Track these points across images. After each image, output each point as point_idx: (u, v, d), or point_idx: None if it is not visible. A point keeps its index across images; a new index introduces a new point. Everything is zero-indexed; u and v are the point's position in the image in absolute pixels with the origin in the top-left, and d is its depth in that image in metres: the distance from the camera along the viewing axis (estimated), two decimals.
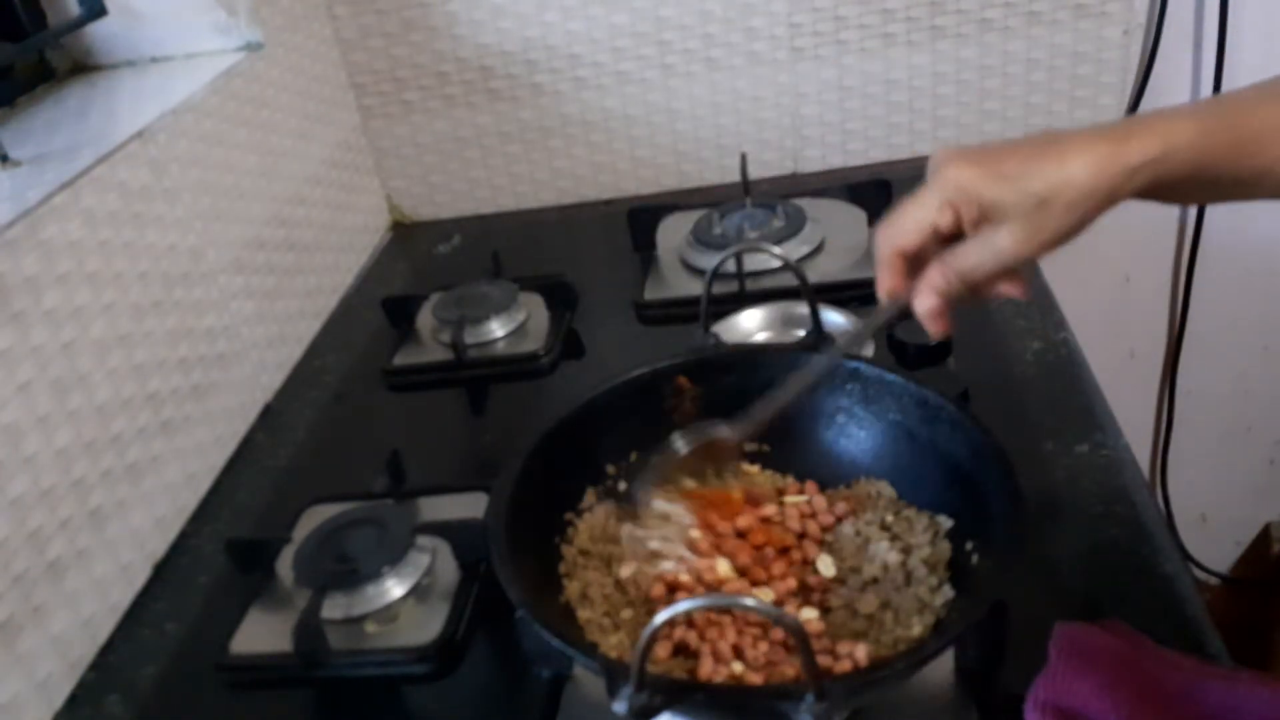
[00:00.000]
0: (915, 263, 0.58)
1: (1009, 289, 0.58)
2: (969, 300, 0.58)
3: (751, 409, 0.64)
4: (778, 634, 0.59)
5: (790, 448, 0.71)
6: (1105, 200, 0.54)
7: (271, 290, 1.01)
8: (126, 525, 0.78)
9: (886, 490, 0.68)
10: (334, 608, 0.70)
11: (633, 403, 0.71)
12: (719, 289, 0.81)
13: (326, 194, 1.16)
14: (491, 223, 1.30)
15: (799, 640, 0.46)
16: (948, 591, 0.61)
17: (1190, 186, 0.56)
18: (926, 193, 0.57)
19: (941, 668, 0.59)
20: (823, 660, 0.57)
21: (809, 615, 0.61)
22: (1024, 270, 0.58)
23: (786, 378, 0.64)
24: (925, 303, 0.58)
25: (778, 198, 1.11)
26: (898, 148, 1.24)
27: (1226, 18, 1.17)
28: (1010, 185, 0.54)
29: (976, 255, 0.56)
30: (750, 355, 0.78)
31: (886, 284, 0.59)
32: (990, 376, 0.84)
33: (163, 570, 0.81)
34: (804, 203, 1.10)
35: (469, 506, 0.77)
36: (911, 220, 0.57)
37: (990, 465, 0.59)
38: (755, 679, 0.57)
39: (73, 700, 0.71)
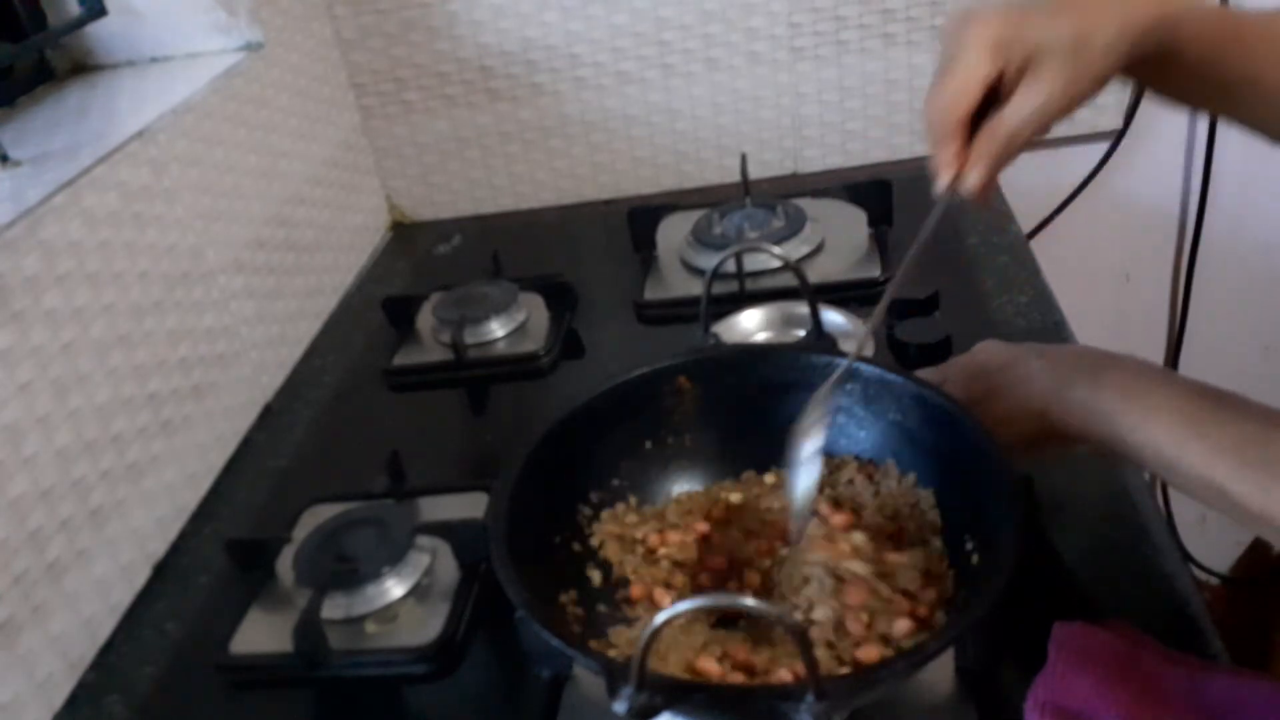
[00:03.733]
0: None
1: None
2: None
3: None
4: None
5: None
6: (1131, 46, 0.55)
7: (271, 290, 1.01)
8: (126, 525, 0.78)
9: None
10: (334, 608, 0.70)
11: (633, 403, 0.70)
12: (719, 289, 0.81)
13: (326, 194, 1.16)
14: (491, 223, 1.30)
15: (799, 640, 0.46)
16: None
17: (1192, 76, 0.58)
18: (964, 51, 0.56)
19: (941, 668, 0.59)
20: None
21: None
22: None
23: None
24: (978, 177, 0.57)
25: (778, 198, 1.11)
26: (898, 148, 1.24)
27: None
28: (1047, 26, 0.54)
29: (1026, 109, 0.55)
30: (750, 355, 0.78)
31: (950, 158, 0.57)
32: None
33: (163, 570, 0.81)
34: (804, 203, 1.10)
35: (469, 506, 0.77)
36: (964, 80, 0.56)
37: (990, 465, 0.59)
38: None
39: (73, 700, 0.71)
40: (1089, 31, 0.54)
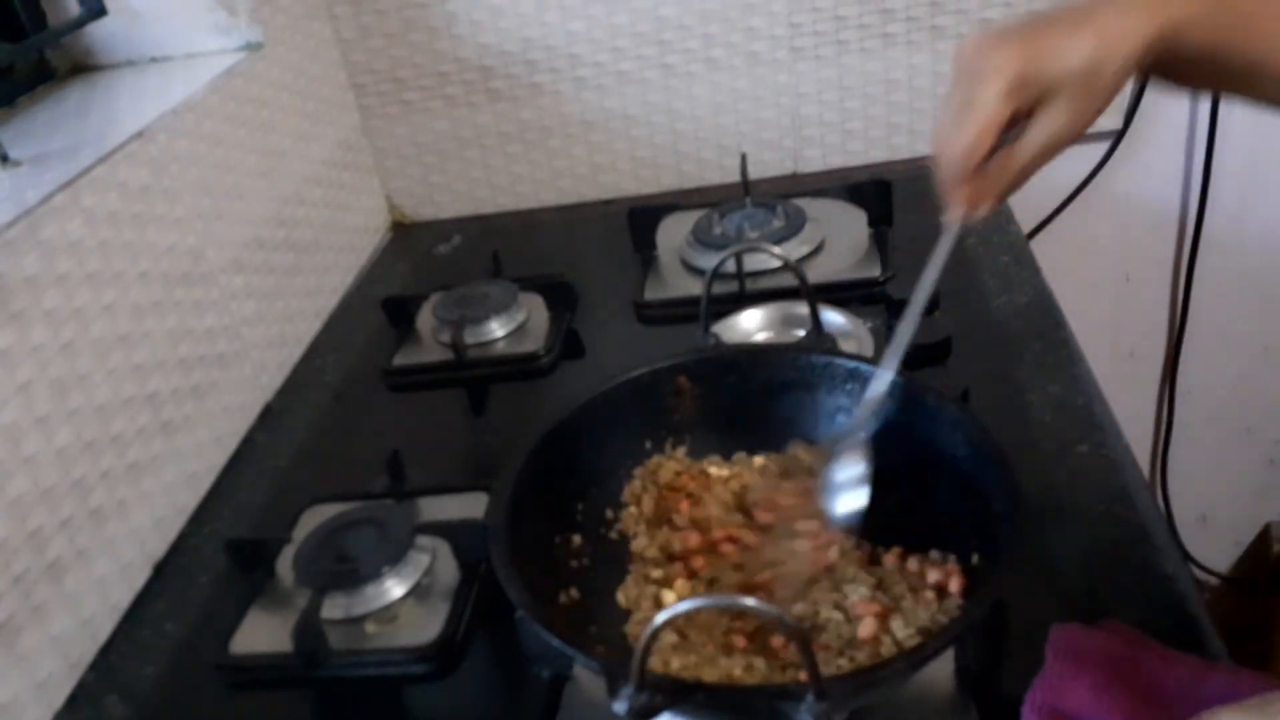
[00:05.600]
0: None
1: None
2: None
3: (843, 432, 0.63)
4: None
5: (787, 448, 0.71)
6: (1139, 65, 0.55)
7: (271, 290, 1.01)
8: (126, 525, 0.78)
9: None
10: (334, 608, 0.70)
11: (633, 403, 0.70)
12: (719, 289, 0.81)
13: (326, 194, 1.16)
14: (491, 223, 1.30)
15: (799, 641, 0.46)
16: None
17: (1199, 66, 0.57)
18: (981, 88, 0.54)
19: (941, 668, 0.59)
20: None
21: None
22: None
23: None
24: (989, 209, 0.57)
25: (778, 198, 1.11)
26: (898, 148, 1.24)
27: None
28: (1063, 61, 0.54)
29: (1039, 144, 0.56)
30: (750, 355, 0.78)
31: (964, 196, 0.57)
32: (990, 376, 0.84)
33: (163, 570, 0.81)
34: (804, 203, 1.10)
35: (469, 506, 0.77)
36: (980, 124, 0.55)
37: (990, 465, 0.59)
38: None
39: (73, 700, 0.70)
40: (1103, 57, 0.54)
